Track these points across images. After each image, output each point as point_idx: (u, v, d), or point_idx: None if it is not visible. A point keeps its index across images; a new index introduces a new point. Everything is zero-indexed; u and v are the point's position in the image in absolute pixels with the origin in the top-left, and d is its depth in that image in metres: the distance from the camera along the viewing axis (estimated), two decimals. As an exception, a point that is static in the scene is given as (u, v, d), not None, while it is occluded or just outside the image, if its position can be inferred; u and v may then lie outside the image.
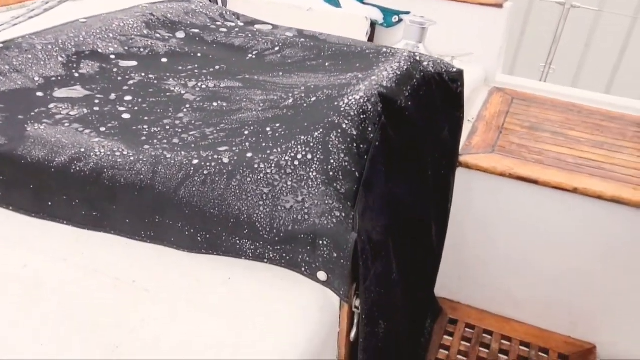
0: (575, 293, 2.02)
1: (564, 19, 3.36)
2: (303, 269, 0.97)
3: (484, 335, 2.11)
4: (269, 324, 0.91)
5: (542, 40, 3.90)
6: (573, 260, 1.94)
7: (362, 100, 1.12)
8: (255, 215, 0.94)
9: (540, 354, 2.04)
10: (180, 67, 1.45)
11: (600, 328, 2.04)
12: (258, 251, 0.98)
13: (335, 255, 0.91)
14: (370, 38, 2.81)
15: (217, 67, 1.46)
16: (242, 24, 1.85)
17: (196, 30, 1.70)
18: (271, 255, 0.98)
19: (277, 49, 1.57)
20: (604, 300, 1.98)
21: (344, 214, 0.94)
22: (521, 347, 2.06)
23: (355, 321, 1.02)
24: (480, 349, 2.05)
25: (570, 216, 1.86)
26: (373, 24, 2.79)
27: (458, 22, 2.60)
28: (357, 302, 0.99)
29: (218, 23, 1.82)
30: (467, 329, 2.13)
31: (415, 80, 1.34)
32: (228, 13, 1.85)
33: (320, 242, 0.92)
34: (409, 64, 1.36)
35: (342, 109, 1.09)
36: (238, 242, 0.98)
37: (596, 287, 1.95)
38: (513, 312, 2.16)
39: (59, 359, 0.82)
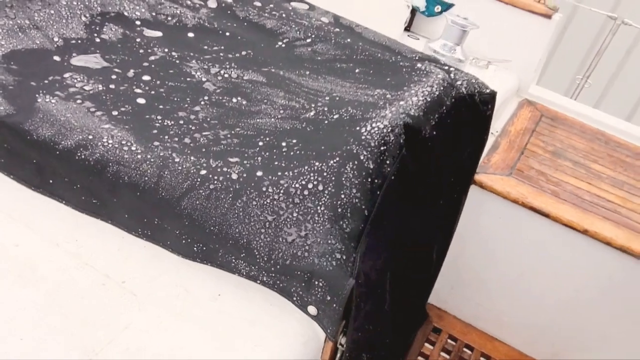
0: (562, 327, 2.01)
1: (612, 34, 3.21)
2: (294, 299, 0.95)
3: (465, 349, 2.12)
4: (251, 349, 0.90)
5: (577, 51, 3.75)
6: (568, 297, 1.92)
7: (385, 130, 1.07)
8: (254, 242, 0.91)
9: (516, 378, 2.06)
10: (205, 47, 1.39)
11: (580, 364, 2.05)
12: (252, 273, 0.96)
13: (329, 298, 0.89)
14: (409, 24, 2.70)
15: (243, 53, 1.40)
16: None
17: (229, 0, 1.63)
18: (265, 279, 0.96)
19: (309, 40, 1.50)
20: (589, 340, 1.97)
21: (344, 257, 0.91)
22: (499, 369, 2.08)
23: (338, 356, 1.01)
24: (458, 363, 2.07)
25: (575, 255, 1.83)
26: (414, 10, 2.68)
27: (502, 25, 2.49)
28: (342, 340, 0.98)
29: None
30: (449, 340, 2.14)
31: (444, 108, 1.28)
32: None
33: (316, 283, 0.90)
34: (442, 88, 1.29)
35: (362, 137, 1.04)
36: (234, 260, 0.96)
37: (585, 326, 1.94)
38: (498, 332, 2.17)
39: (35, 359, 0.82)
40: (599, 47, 3.33)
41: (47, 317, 0.87)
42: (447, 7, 2.66)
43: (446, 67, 1.49)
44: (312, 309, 0.94)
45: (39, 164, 1.04)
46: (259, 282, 0.97)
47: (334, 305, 0.89)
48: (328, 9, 2.19)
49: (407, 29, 2.71)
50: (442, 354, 2.09)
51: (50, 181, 1.05)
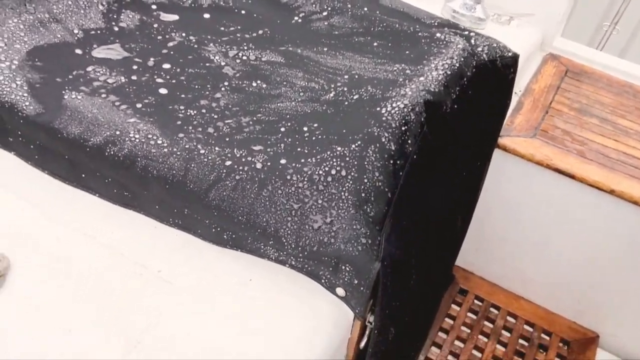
0: (588, 284, 2.03)
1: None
2: (323, 281, 0.99)
3: (491, 309, 2.16)
4: (283, 330, 0.95)
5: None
6: (594, 255, 1.93)
7: (406, 110, 1.07)
8: (282, 230, 0.94)
9: (542, 335, 2.10)
10: (222, 28, 1.39)
11: (605, 320, 2.07)
12: (281, 258, 1.00)
13: (356, 281, 0.92)
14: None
15: (260, 32, 1.40)
16: None
17: (243, -26, 1.61)
18: (293, 263, 1.00)
19: (325, 13, 1.49)
20: (615, 297, 1.99)
21: (370, 241, 0.93)
22: (525, 327, 2.12)
23: (367, 332, 1.05)
24: (485, 323, 2.11)
25: (601, 215, 1.83)
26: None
27: (523, -23, 2.40)
28: (370, 318, 1.02)
29: None
30: (475, 301, 2.18)
31: (465, 79, 1.27)
32: None
33: (343, 267, 0.93)
34: (462, 59, 1.28)
35: (383, 118, 1.05)
36: (262, 247, 1.00)
37: (610, 284, 1.96)
38: (523, 291, 2.20)
39: (84, 350, 0.87)
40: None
41: (94, 309, 0.92)
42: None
43: (466, 33, 1.47)
44: (340, 291, 0.97)
45: (70, 160, 1.08)
46: (287, 265, 1.01)
47: (362, 288, 0.92)
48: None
49: (426, -15, 2.63)
50: (469, 314, 2.13)
51: (83, 175, 1.09)
